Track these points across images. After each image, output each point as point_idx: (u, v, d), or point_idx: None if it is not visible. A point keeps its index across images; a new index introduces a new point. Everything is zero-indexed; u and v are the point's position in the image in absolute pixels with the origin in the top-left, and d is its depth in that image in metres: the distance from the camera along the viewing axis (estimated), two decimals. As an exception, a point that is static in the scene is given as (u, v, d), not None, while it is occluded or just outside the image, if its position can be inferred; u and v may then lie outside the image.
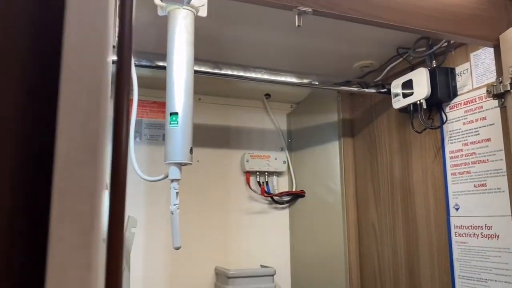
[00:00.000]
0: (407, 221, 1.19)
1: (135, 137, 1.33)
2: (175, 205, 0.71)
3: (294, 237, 1.51)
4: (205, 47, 1.09)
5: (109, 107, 0.32)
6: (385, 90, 1.24)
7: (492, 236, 0.95)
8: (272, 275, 1.31)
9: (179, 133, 0.72)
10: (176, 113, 0.73)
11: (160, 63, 1.00)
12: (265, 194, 1.46)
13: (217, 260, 1.39)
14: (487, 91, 0.87)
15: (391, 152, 1.27)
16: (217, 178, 1.44)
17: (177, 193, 0.72)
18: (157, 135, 1.37)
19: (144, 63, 0.98)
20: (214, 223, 1.41)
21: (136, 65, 0.93)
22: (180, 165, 0.74)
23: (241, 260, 1.43)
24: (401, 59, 1.21)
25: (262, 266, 1.42)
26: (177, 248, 0.72)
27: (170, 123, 0.73)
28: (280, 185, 1.52)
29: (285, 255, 1.50)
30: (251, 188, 1.45)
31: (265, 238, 1.48)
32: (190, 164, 0.74)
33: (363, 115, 1.41)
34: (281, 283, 1.46)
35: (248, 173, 1.46)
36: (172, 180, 0.73)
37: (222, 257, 1.40)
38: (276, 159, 1.50)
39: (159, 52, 0.98)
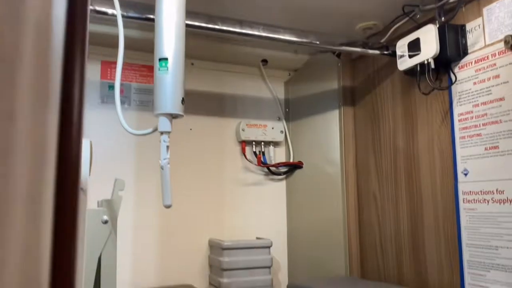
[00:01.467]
0: (410, 190, 1.14)
1: (123, 103, 1.26)
2: (165, 159, 0.64)
3: (291, 209, 1.45)
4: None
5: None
6: (390, 52, 1.17)
7: (504, 201, 0.89)
8: (269, 247, 1.25)
9: (169, 81, 0.65)
10: (166, 59, 0.66)
11: (151, 16, 0.92)
12: (262, 165, 1.39)
13: (211, 232, 1.33)
14: (504, 41, 0.81)
15: (394, 119, 1.21)
16: (211, 148, 1.37)
17: (167, 147, 0.65)
18: (147, 100, 1.29)
19: (131, 14, 0.90)
20: (208, 194, 1.35)
21: (123, 17, 0.85)
22: (170, 116, 0.67)
23: (236, 232, 1.37)
24: (407, 18, 1.14)
25: (258, 238, 1.36)
26: (168, 207, 0.65)
27: (159, 69, 0.66)
28: (277, 155, 1.45)
29: (281, 227, 1.44)
30: (246, 158, 1.39)
31: (261, 210, 1.42)
32: (182, 116, 0.67)
33: (365, 82, 1.34)
34: (278, 255, 1.41)
35: (244, 143, 1.39)
36: (162, 133, 0.66)
37: (216, 229, 1.34)
38: (273, 128, 1.43)
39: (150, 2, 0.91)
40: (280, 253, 1.42)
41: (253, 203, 1.41)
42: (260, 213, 1.41)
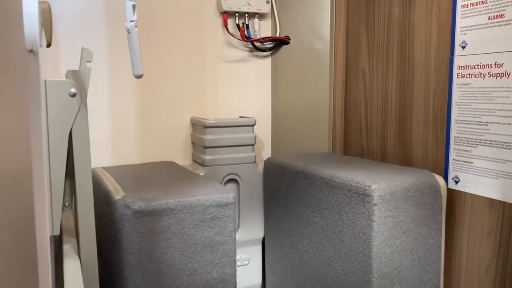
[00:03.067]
0: (402, 64, 1.07)
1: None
2: (132, 21, 0.55)
3: (276, 86, 1.39)
4: None
5: None
6: None
7: (502, 75, 0.84)
8: (252, 125, 1.22)
9: None
10: None
11: None
12: (245, 39, 1.29)
13: (193, 111, 1.29)
14: None
15: (391, -14, 1.10)
16: (190, 20, 1.26)
17: (133, 6, 0.56)
18: (115, -38, 1.13)
19: None
20: (188, 71, 1.27)
21: None
22: (134, -33, 0.56)
23: (219, 111, 1.32)
24: None
25: (241, 117, 1.33)
26: (139, 77, 0.58)
27: None
28: (262, 29, 1.35)
29: (266, 105, 1.40)
30: (229, 32, 1.28)
31: (245, 88, 1.36)
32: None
33: None
34: (262, 133, 1.39)
35: (226, 14, 1.27)
36: (126, -12, 0.56)
37: (198, 108, 1.29)
38: (258, -2, 1.30)
39: None
40: (264, 131, 1.40)
41: (236, 81, 1.34)
42: (244, 91, 1.36)
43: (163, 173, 1.03)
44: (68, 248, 0.80)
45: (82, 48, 0.78)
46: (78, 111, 0.73)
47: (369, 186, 0.84)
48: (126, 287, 0.77)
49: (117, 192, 0.83)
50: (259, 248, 1.28)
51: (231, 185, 1.23)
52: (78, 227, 0.77)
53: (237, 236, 1.25)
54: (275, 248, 1.21)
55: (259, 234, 1.27)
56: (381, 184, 0.85)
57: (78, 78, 0.74)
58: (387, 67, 1.12)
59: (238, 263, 1.26)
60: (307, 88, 1.31)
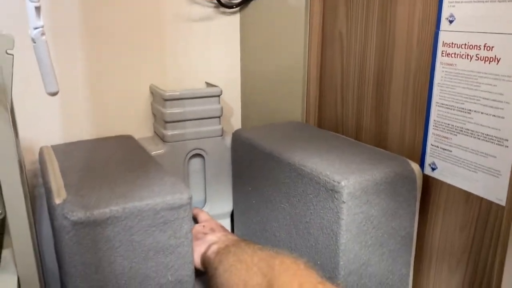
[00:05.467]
0: (382, 32, 0.96)
1: None
2: (36, 28, 0.43)
3: (245, 48, 1.26)
4: None
5: None
6: None
7: (491, 59, 0.74)
8: (218, 96, 1.11)
9: None
10: None
11: None
12: (209, -5, 1.14)
13: (154, 76, 1.16)
14: None
15: None
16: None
17: (36, 8, 0.43)
18: None
19: None
20: (146, 33, 1.13)
21: None
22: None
23: (183, 77, 1.20)
24: None
25: (207, 83, 1.21)
26: (53, 94, 0.47)
27: None
28: (228, -18, 1.19)
29: (235, 68, 1.28)
30: (190, -14, 1.12)
31: (211, 49, 1.22)
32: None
33: None
34: (230, 99, 1.28)
35: (186, -35, 1.11)
36: (23, -15, 0.43)
37: (159, 72, 1.17)
38: None
39: None
40: (233, 97, 1.29)
41: (201, 42, 1.20)
42: (210, 53, 1.23)
43: (115, 158, 0.94)
44: (5, 257, 0.72)
45: (-3, 34, 0.64)
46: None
47: (338, 183, 0.77)
48: (72, 300, 0.71)
49: (58, 193, 0.75)
50: (227, 222, 1.23)
51: (196, 160, 1.15)
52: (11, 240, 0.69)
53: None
54: (244, 224, 1.16)
55: (228, 208, 1.21)
56: (351, 180, 0.77)
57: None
58: (366, 32, 1.01)
59: (206, 238, 1.22)
60: (279, 49, 1.19)
